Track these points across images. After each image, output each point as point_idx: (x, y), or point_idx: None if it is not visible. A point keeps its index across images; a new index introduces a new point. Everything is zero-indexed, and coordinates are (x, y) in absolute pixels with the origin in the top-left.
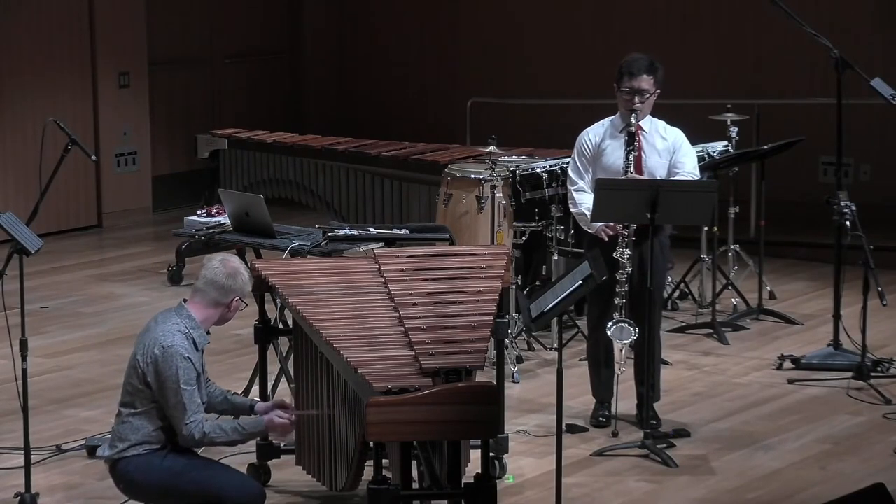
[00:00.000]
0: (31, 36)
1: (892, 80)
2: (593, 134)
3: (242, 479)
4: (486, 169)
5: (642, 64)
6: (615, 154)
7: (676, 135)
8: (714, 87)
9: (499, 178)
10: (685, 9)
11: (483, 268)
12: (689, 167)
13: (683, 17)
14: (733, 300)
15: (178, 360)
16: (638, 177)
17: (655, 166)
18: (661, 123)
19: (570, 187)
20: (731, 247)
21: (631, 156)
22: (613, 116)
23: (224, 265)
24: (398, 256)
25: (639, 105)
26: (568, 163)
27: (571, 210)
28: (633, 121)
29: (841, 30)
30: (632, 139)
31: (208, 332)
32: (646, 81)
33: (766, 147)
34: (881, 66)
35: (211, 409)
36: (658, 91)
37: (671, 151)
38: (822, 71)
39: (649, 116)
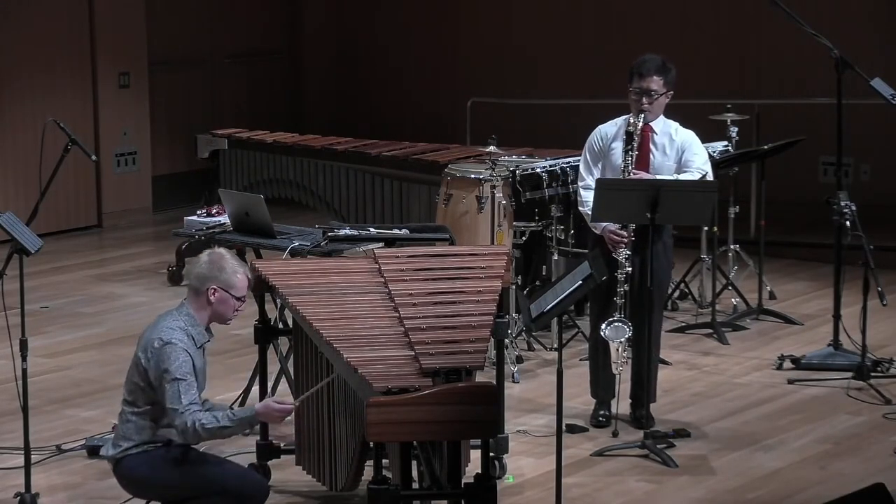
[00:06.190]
0: (31, 36)
1: (892, 80)
2: (605, 131)
3: (246, 471)
4: (486, 169)
5: (652, 65)
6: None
7: (687, 135)
8: (714, 87)
9: (499, 178)
10: (685, 8)
11: (483, 268)
12: (698, 163)
13: (683, 17)
14: (733, 300)
15: (177, 351)
16: (642, 175)
17: (662, 167)
18: (675, 125)
19: (578, 184)
20: (731, 247)
21: (629, 156)
22: (628, 115)
23: (209, 256)
24: (398, 256)
25: (647, 106)
26: (568, 163)
27: (579, 209)
28: (640, 121)
29: (841, 30)
30: (630, 139)
31: (209, 331)
32: (655, 82)
33: (766, 147)
34: (881, 66)
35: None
36: (670, 92)
37: (680, 152)
38: (822, 71)
39: (662, 117)
